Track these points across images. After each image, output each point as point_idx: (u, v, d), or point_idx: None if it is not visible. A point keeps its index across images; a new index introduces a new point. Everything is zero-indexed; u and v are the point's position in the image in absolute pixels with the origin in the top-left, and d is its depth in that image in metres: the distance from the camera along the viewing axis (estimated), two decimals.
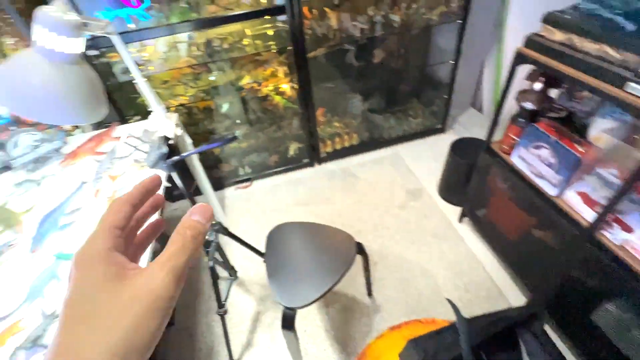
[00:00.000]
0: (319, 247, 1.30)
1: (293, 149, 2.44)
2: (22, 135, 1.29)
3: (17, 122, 1.36)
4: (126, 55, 1.15)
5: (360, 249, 1.33)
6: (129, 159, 1.34)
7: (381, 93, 2.62)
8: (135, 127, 1.52)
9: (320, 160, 2.48)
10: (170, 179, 1.10)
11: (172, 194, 2.21)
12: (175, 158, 0.91)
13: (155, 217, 0.32)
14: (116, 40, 1.06)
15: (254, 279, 1.78)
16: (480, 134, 1.69)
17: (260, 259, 1.43)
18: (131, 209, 0.27)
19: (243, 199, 2.31)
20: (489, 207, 1.67)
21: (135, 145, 0.87)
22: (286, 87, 2.17)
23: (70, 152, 1.36)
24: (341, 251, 1.27)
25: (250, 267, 1.82)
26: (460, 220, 1.93)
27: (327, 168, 2.46)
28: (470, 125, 2.65)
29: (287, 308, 1.13)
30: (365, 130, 2.57)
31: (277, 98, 2.18)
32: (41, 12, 0.61)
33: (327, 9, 1.97)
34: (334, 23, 1.95)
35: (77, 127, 1.57)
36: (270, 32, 1.99)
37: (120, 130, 1.52)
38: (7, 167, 1.35)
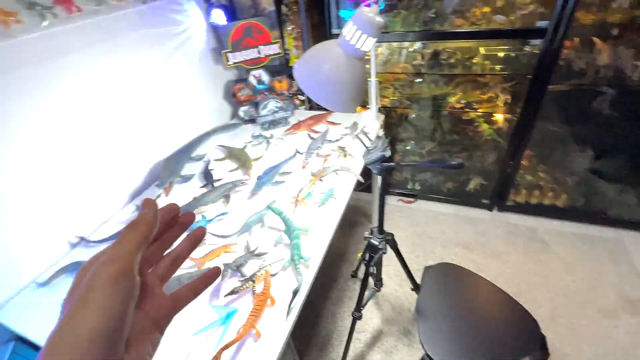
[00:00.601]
0: (487, 313, 1.09)
1: (475, 183, 2.17)
2: (270, 100, 1.62)
3: (271, 90, 1.72)
4: (373, 53, 1.24)
5: (541, 343, 1.04)
6: (336, 144, 1.48)
7: (623, 156, 1.96)
8: (343, 116, 1.67)
9: (504, 208, 2.11)
10: (366, 175, 1.13)
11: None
12: (392, 165, 0.91)
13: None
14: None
15: (389, 297, 1.71)
16: None
17: (406, 281, 1.34)
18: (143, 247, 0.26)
19: (402, 213, 2.24)
20: None
21: (363, 140, 0.91)
22: (500, 117, 1.91)
23: (295, 123, 1.62)
24: (513, 332, 1.02)
25: (391, 285, 1.76)
26: None
27: (509, 219, 2.07)
28: None
29: (429, 357, 1.01)
30: (580, 194, 2.00)
31: (485, 126, 1.96)
32: (360, 11, 0.68)
33: (596, 39, 1.58)
34: (604, 57, 1.54)
35: (302, 103, 1.86)
36: (501, 54, 1.77)
37: (333, 116, 1.71)
38: (252, 120, 1.74)
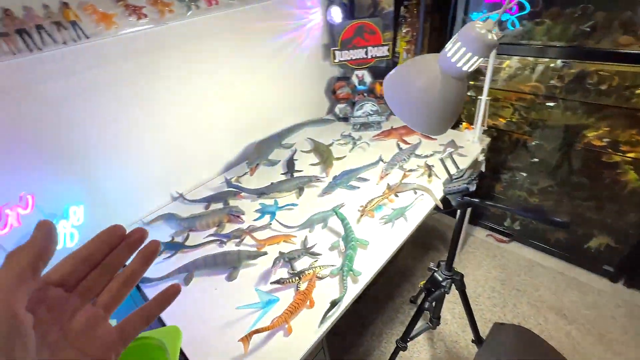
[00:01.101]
0: None
1: (599, 242, 1.72)
2: (367, 102, 1.59)
3: (371, 92, 1.69)
4: (491, 67, 1.08)
5: None
6: (423, 160, 1.37)
7: None
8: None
9: (634, 284, 1.63)
10: (446, 204, 1.01)
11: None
12: (475, 201, 0.78)
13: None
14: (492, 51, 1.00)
15: (446, 339, 1.54)
16: None
17: (466, 326, 1.17)
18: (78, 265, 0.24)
19: (490, 251, 1.95)
20: None
21: (448, 165, 0.81)
22: None
23: (386, 130, 1.56)
24: None
25: (453, 327, 1.58)
26: None
27: (637, 300, 1.59)
28: None
29: None
30: None
31: (632, 175, 1.52)
32: (470, 25, 0.60)
33: None
34: None
35: None
36: None
37: None
38: (346, 119, 1.75)
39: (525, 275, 1.78)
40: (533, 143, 1.81)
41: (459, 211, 0.90)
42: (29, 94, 0.89)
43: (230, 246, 1.08)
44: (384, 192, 1.17)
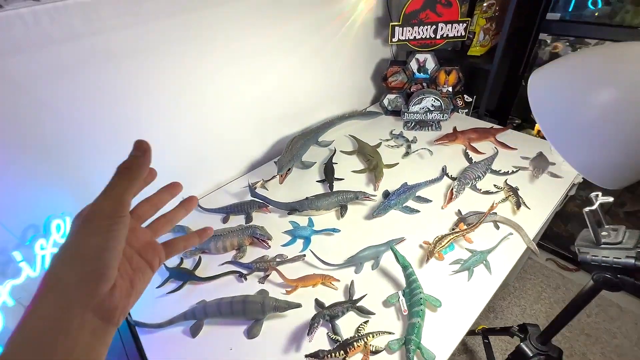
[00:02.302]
0: None
1: None
2: (429, 96, 1.26)
3: (432, 81, 1.35)
4: None
5: None
6: (502, 178, 1.05)
7: None
8: (521, 138, 1.19)
9: None
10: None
11: None
12: (633, 282, 0.49)
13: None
14: None
15: None
16: None
17: None
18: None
19: (551, 280, 1.64)
20: None
21: (590, 219, 0.51)
22: None
23: (451, 132, 1.23)
24: None
25: None
26: None
27: None
28: None
29: None
30: None
31: None
32: None
33: None
34: None
35: (466, 105, 1.43)
36: None
37: (508, 135, 1.24)
38: (396, 112, 1.43)
39: (598, 317, 1.47)
40: None
41: (591, 282, 0.61)
42: None
43: (252, 282, 0.84)
44: (458, 225, 0.88)
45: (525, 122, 1.63)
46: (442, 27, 1.19)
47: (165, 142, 0.97)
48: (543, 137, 1.35)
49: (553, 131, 0.42)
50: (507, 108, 1.59)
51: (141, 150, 0.29)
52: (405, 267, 0.76)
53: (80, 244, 0.25)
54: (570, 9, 1.27)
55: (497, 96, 1.60)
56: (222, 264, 0.89)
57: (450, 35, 1.21)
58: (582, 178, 1.10)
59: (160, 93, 0.90)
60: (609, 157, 0.40)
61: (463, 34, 1.19)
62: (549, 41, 1.43)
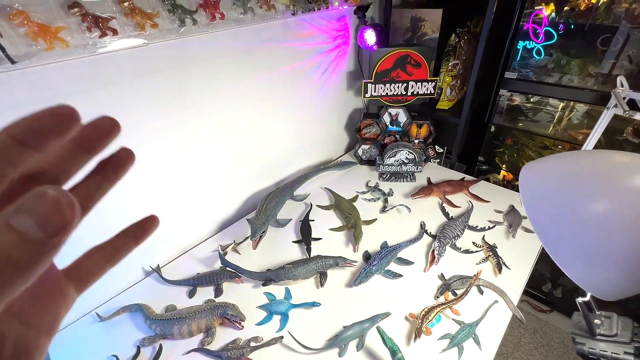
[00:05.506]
0: None
1: None
2: (402, 149, 1.27)
3: (405, 134, 1.37)
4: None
5: None
6: (479, 235, 1.05)
7: None
8: (491, 190, 1.22)
9: None
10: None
11: None
12: None
13: None
14: None
15: None
16: None
17: None
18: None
19: (528, 323, 1.64)
20: None
21: (582, 307, 0.49)
22: None
23: (426, 186, 1.24)
24: None
25: None
26: None
27: None
28: None
29: None
30: None
31: None
32: None
33: None
34: None
35: (437, 155, 1.47)
36: None
37: (479, 187, 1.27)
38: (371, 162, 1.42)
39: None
40: None
41: None
42: None
43: None
44: (444, 295, 0.84)
45: (490, 166, 1.70)
46: (412, 85, 1.23)
47: (124, 199, 0.87)
48: (511, 186, 1.41)
49: (547, 235, 0.41)
50: (475, 154, 1.65)
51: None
52: (393, 352, 0.70)
53: None
54: (517, 58, 1.38)
55: (464, 142, 1.67)
56: (188, 352, 0.78)
57: (421, 92, 1.25)
58: None
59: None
60: (605, 272, 0.38)
61: (432, 91, 1.24)
62: (507, 94, 1.53)
